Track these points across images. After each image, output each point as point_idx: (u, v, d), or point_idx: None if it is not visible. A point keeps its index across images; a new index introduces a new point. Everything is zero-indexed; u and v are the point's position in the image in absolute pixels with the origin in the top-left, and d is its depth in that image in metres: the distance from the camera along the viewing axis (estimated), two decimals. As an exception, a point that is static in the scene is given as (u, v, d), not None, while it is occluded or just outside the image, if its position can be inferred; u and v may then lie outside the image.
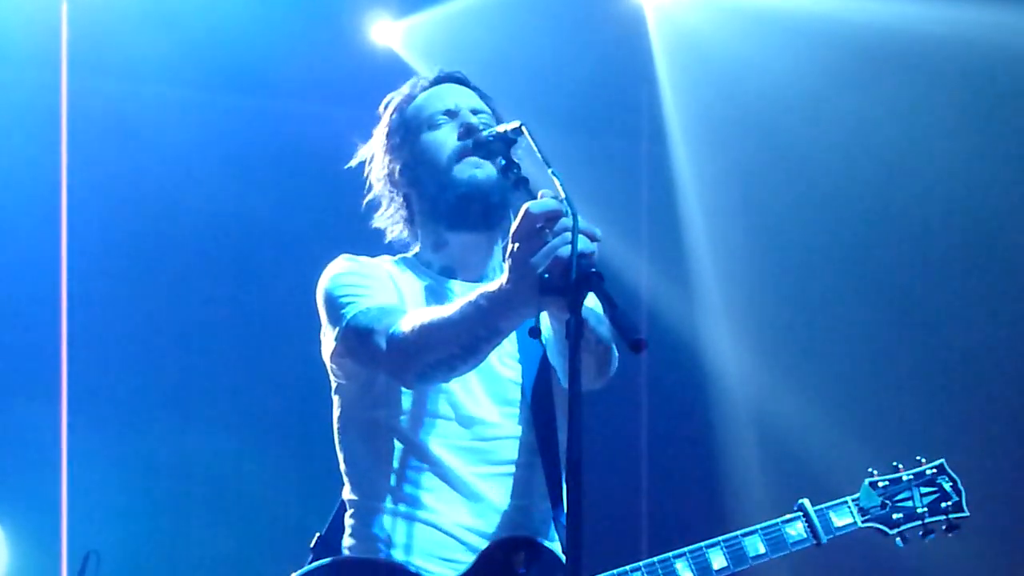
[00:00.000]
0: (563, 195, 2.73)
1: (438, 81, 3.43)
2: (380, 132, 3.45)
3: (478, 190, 3.21)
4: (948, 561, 5.13)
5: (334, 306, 3.20)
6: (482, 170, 3.20)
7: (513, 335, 3.13)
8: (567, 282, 2.57)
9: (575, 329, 2.53)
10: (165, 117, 6.19)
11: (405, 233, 3.44)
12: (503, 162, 3.12)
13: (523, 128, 3.08)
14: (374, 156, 3.45)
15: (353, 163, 3.51)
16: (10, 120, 5.93)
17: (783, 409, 6.49)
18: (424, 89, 3.42)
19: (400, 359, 3.00)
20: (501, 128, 3.17)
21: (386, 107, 3.46)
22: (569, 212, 2.68)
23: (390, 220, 3.45)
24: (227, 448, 6.12)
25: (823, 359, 6.53)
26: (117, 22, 6.08)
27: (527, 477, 3.21)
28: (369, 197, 3.47)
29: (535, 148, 3.00)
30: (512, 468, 3.21)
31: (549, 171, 2.82)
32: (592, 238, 2.67)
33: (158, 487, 6.12)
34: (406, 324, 2.99)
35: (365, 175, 3.48)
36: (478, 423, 3.20)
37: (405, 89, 3.45)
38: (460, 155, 3.24)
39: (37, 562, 5.80)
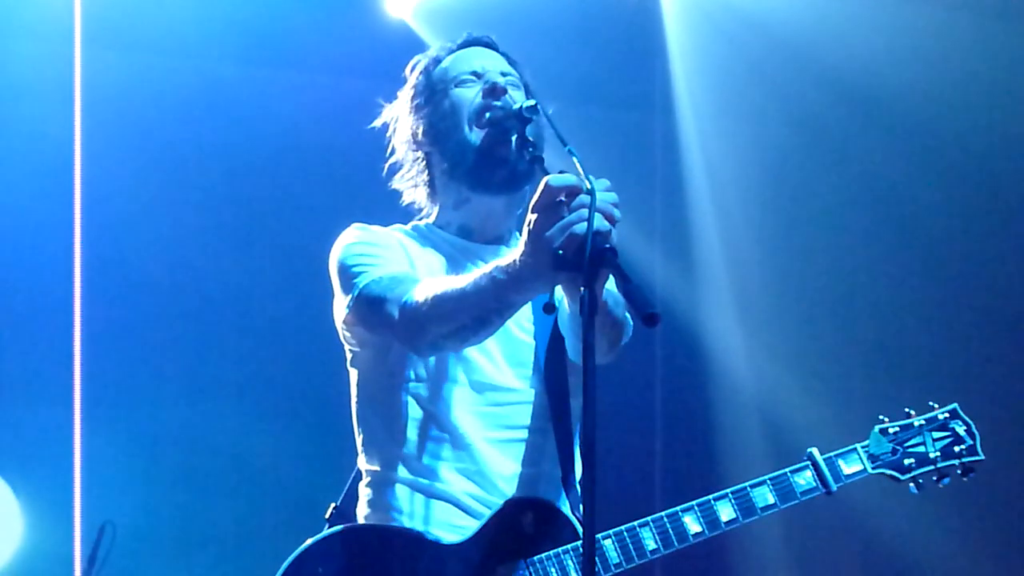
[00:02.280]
0: (581, 172, 2.72)
1: (466, 44, 3.41)
2: (405, 94, 3.43)
3: (500, 155, 3.19)
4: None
5: (347, 275, 3.21)
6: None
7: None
8: (581, 258, 2.57)
9: (588, 304, 2.53)
10: (178, 90, 6.17)
11: (423, 196, 3.43)
12: (518, 140, 3.11)
13: (538, 106, 3.08)
14: (398, 118, 3.44)
15: (377, 124, 3.49)
16: (23, 94, 5.91)
17: (789, 384, 6.48)
18: (451, 52, 3.40)
19: (412, 328, 3.01)
20: (515, 105, 3.15)
21: (412, 68, 3.44)
22: (587, 189, 2.67)
23: (410, 182, 3.43)
24: (243, 419, 6.13)
25: (830, 340, 6.50)
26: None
27: (539, 443, 3.24)
28: (392, 160, 3.46)
29: (551, 126, 3.00)
30: (525, 433, 3.23)
31: (566, 149, 2.82)
32: (610, 219, 2.67)
33: (173, 458, 6.13)
34: (418, 293, 3.00)
35: (388, 137, 3.47)
36: (495, 387, 3.22)
37: (432, 52, 3.43)
38: (482, 112, 3.23)
39: (53, 533, 5.82)
